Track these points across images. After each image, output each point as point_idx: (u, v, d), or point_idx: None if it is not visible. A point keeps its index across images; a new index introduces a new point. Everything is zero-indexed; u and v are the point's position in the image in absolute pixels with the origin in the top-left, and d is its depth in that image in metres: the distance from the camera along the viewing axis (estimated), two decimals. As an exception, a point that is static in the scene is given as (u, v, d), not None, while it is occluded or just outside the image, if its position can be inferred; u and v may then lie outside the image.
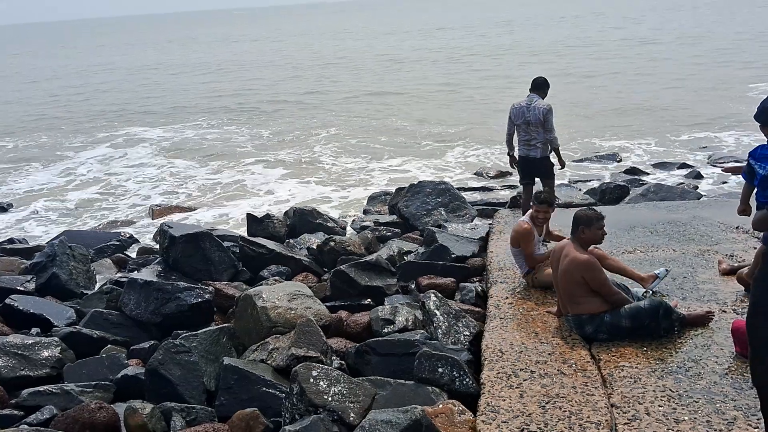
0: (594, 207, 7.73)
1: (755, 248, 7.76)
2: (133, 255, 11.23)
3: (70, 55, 74.57)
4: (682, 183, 13.07)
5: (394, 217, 11.75)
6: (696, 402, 4.67)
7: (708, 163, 15.45)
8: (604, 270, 5.91)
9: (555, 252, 6.07)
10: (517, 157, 9.19)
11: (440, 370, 5.44)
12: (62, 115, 31.25)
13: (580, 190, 13.44)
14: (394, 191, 13.05)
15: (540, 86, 8.88)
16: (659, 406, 4.64)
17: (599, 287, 5.71)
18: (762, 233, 4.08)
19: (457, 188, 12.51)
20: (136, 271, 9.04)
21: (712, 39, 44.96)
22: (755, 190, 5.29)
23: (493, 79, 33.95)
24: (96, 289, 9.05)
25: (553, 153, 8.94)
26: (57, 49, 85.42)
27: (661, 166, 15.37)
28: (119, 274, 9.83)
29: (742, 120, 19.40)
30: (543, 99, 8.81)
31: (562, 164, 9.23)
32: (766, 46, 38.80)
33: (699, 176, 14.14)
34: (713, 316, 5.87)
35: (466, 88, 31.65)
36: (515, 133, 9.03)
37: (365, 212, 13.43)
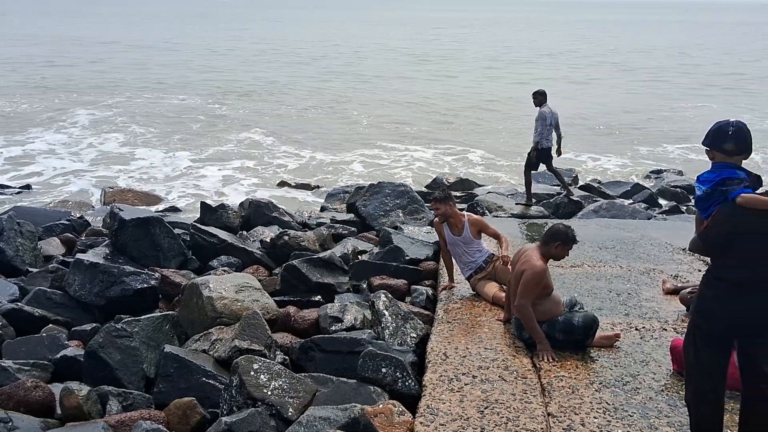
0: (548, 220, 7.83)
1: (699, 270, 7.97)
2: (82, 236, 10.99)
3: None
4: (633, 202, 13.32)
5: (352, 215, 11.73)
6: (631, 416, 4.76)
7: (660, 188, 15.67)
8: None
9: (517, 253, 6.13)
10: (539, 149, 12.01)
11: (384, 370, 5.45)
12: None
13: (534, 202, 13.57)
14: (353, 190, 13.02)
15: (546, 95, 11.97)
16: (594, 417, 4.72)
17: (520, 287, 5.72)
18: None
19: (416, 191, 12.54)
20: (83, 252, 8.85)
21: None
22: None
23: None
24: (41, 267, 8.85)
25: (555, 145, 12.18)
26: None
27: (616, 184, 15.64)
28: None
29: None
30: None
31: (560, 153, 12.46)
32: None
33: (651, 197, 14.41)
34: (619, 339, 5.96)
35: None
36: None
37: (322, 209, 13.38)
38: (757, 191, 3.71)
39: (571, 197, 12.90)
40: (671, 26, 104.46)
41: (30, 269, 8.70)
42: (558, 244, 5.82)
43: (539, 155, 12.15)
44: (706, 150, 3.94)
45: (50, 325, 6.91)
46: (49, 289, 7.62)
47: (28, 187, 15.43)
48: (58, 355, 6.08)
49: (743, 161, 3.88)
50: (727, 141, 3.82)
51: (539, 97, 11.96)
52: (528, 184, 12.74)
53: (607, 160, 19.50)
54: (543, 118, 11.86)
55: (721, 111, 27.05)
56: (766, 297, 3.75)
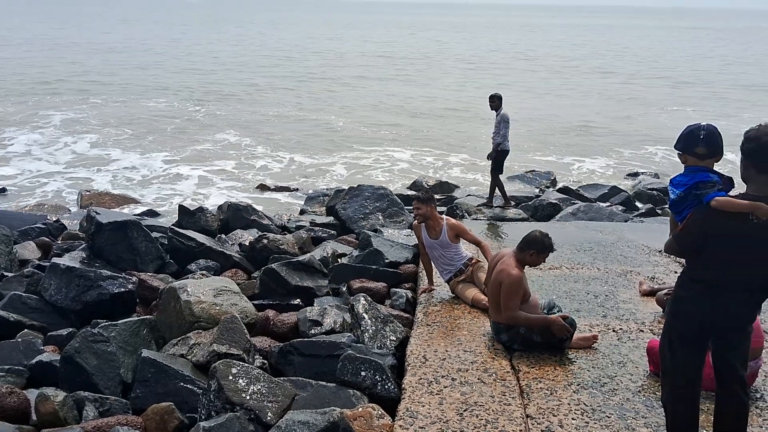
0: (526, 221, 7.87)
1: (675, 272, 8.06)
2: (59, 240, 10.86)
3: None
4: (610, 205, 13.44)
5: (331, 218, 11.71)
6: (608, 417, 4.80)
7: (636, 190, 15.82)
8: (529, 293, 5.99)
9: (494, 258, 6.17)
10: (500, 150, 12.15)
11: (363, 373, 5.44)
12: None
13: (513, 203, 13.64)
14: (333, 192, 13.01)
15: (502, 99, 12.09)
16: (572, 419, 4.75)
17: (503, 300, 5.79)
18: None
19: (397, 194, 12.55)
20: (59, 256, 8.75)
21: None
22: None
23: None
24: (16, 271, 8.73)
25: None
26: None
27: (593, 187, 15.76)
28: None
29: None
30: None
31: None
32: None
33: (628, 200, 14.55)
34: (596, 340, 6.01)
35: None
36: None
37: (302, 212, 13.35)
38: (730, 193, 3.76)
39: (489, 206, 12.82)
40: (651, 31, 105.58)
41: (5, 273, 8.57)
42: (533, 252, 5.86)
43: (500, 156, 12.26)
44: (678, 154, 3.98)
45: (25, 330, 6.84)
46: (24, 294, 7.52)
47: (3, 190, 15.24)
48: (34, 361, 6.00)
49: (715, 164, 3.93)
50: (699, 145, 3.86)
51: (496, 101, 12.07)
52: (501, 187, 12.78)
53: (591, 162, 19.66)
54: (506, 121, 12.01)
55: (694, 115, 27.38)
56: (738, 298, 3.81)
